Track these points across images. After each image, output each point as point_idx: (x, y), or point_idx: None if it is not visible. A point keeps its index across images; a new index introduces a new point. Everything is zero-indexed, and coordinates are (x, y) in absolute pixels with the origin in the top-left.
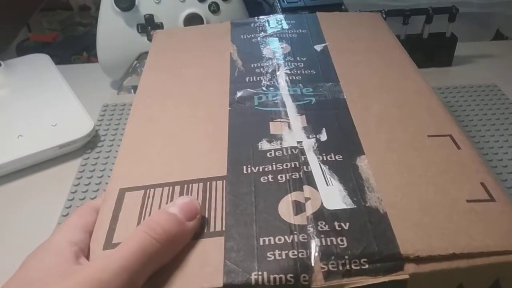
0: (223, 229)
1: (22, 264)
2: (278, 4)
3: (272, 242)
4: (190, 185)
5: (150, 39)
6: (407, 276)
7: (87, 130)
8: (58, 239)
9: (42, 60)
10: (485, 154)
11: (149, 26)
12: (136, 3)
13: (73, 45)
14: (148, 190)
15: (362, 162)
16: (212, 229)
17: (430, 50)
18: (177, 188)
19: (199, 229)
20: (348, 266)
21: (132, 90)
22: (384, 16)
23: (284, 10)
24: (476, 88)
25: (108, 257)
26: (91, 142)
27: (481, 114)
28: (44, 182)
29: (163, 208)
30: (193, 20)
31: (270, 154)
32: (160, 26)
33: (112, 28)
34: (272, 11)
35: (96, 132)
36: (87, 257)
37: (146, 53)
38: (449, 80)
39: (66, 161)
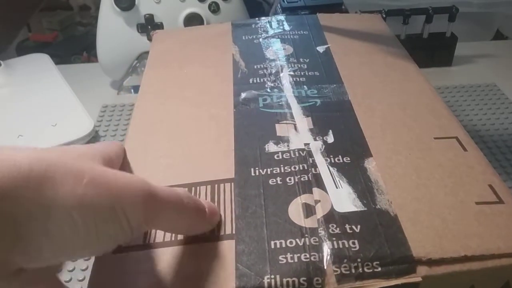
0: (233, 232)
1: None
2: (278, 4)
3: (284, 245)
4: (198, 187)
5: (150, 39)
6: (420, 279)
7: (87, 130)
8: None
9: (42, 60)
10: (485, 155)
11: (149, 26)
12: (136, 3)
13: (73, 45)
14: None
15: (370, 164)
16: (222, 232)
17: (430, 50)
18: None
19: (209, 232)
20: (360, 269)
21: (132, 90)
22: (384, 15)
23: (284, 10)
24: (476, 88)
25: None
26: (90, 142)
27: (480, 113)
28: None
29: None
30: (193, 20)
31: (278, 156)
32: (160, 26)
33: (112, 28)
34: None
35: (95, 132)
36: None
37: (146, 53)
38: (449, 80)
39: None
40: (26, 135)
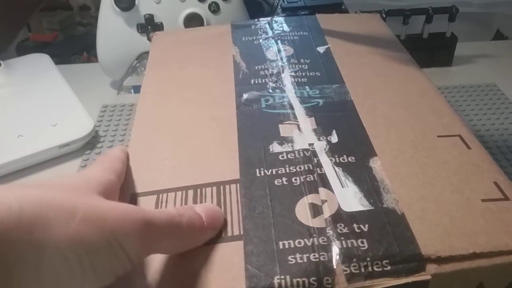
0: (241, 233)
1: None
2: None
3: (292, 246)
4: (204, 189)
5: (150, 39)
6: (429, 277)
7: (87, 130)
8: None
9: (42, 60)
10: None
11: (149, 26)
12: (136, 3)
13: (73, 45)
14: (161, 195)
15: (375, 164)
16: (230, 234)
17: (430, 50)
18: (191, 192)
19: (217, 233)
20: (370, 268)
21: (132, 90)
22: (384, 16)
23: (284, 10)
24: (476, 88)
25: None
26: (90, 142)
27: (480, 114)
28: None
29: (191, 205)
30: (193, 20)
31: (282, 157)
32: (160, 26)
33: (112, 28)
34: (272, 11)
35: (95, 132)
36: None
37: (146, 53)
38: (449, 80)
39: (66, 161)
40: (26, 135)
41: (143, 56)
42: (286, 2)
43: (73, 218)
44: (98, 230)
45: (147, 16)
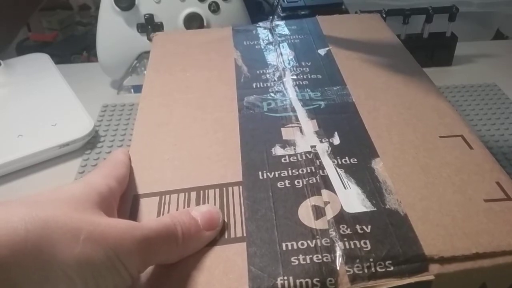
0: (244, 234)
1: None
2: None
3: (295, 247)
4: (206, 191)
5: (150, 39)
6: (432, 277)
7: (87, 130)
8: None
9: (42, 60)
10: None
11: (149, 25)
12: (136, 2)
13: (73, 44)
14: (163, 197)
15: (378, 165)
16: (233, 235)
17: (430, 50)
18: (193, 194)
19: (219, 235)
20: (373, 269)
21: (132, 90)
22: (384, 15)
23: (285, 10)
24: (476, 88)
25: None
26: (91, 142)
27: (481, 113)
28: (44, 182)
29: (186, 209)
30: (193, 19)
31: (285, 160)
32: (160, 25)
33: (112, 28)
34: (272, 11)
35: (96, 132)
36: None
37: (146, 52)
38: (449, 79)
39: (66, 161)
40: (26, 135)
41: (143, 56)
42: (286, 2)
43: (77, 239)
44: (101, 250)
45: (147, 16)
